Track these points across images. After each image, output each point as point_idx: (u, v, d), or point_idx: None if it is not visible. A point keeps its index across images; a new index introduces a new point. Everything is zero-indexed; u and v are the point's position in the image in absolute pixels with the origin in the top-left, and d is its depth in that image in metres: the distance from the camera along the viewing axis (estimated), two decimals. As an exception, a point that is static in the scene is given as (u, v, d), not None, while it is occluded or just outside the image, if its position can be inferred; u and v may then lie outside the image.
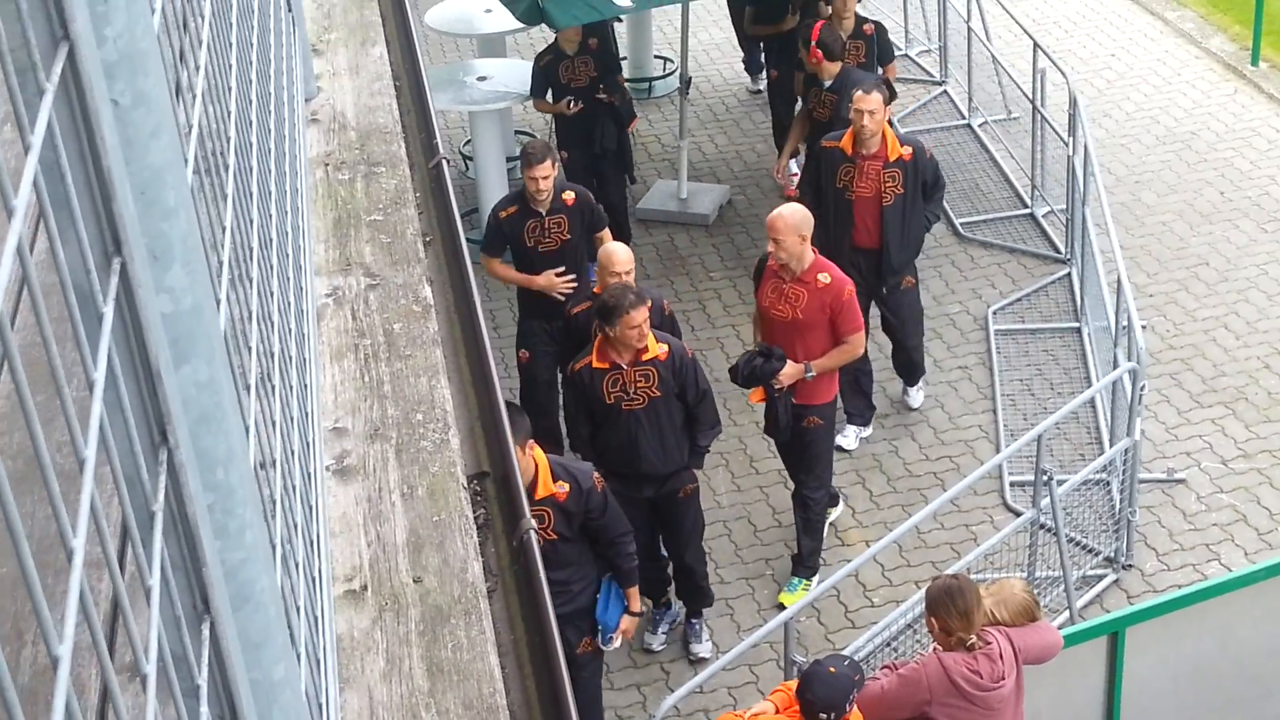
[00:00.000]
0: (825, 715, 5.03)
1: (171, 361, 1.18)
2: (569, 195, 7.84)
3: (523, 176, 7.76)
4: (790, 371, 7.08)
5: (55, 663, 0.80)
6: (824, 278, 7.09)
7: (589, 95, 9.63)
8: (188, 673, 1.07)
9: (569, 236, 7.81)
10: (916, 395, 8.92)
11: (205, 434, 1.22)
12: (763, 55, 11.79)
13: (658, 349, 6.52)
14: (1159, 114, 11.88)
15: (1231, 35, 12.99)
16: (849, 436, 8.43)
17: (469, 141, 10.92)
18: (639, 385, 6.51)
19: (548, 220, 7.76)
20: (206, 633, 1.12)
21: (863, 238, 8.12)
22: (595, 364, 6.50)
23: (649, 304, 6.49)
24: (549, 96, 9.80)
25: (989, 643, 5.11)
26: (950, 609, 5.08)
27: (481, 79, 10.34)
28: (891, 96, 8.41)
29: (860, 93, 7.91)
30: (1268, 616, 6.14)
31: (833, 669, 5.09)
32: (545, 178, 7.58)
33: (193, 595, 1.13)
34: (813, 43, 8.97)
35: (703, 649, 7.11)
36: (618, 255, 6.95)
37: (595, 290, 6.98)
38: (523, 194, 7.86)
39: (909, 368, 8.82)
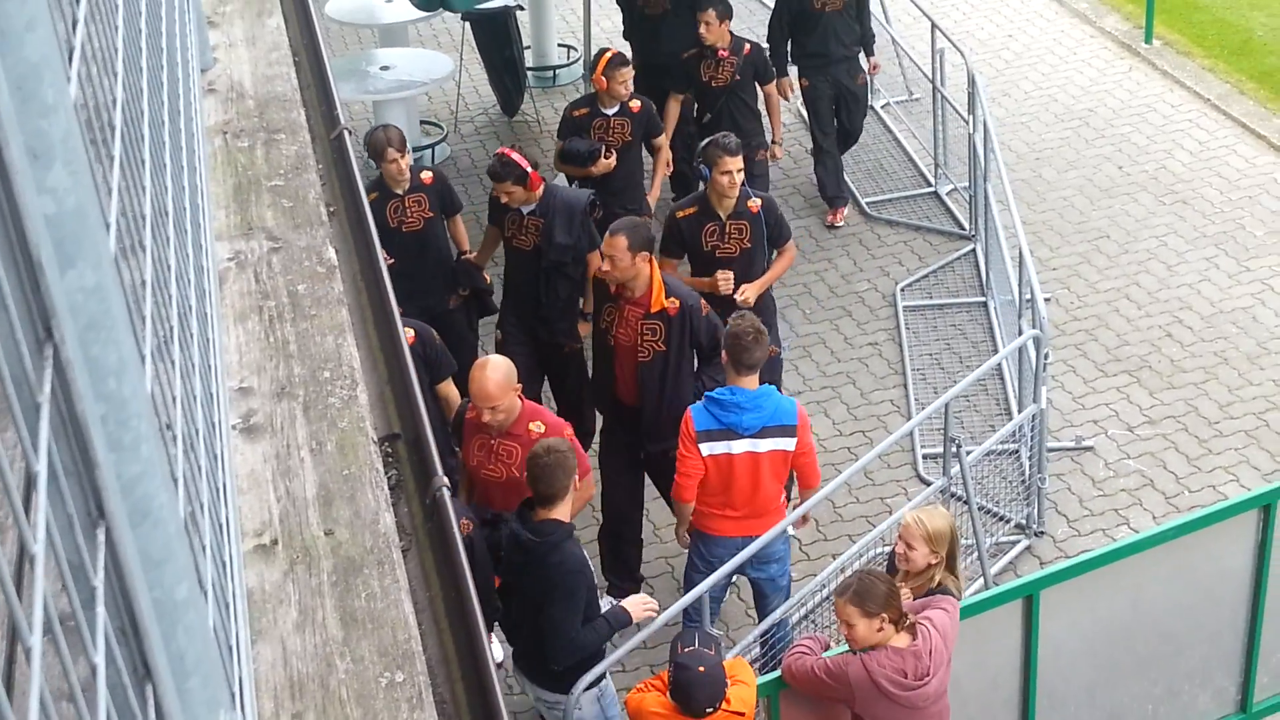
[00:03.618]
0: (711, 708, 5.03)
1: (57, 263, 1.14)
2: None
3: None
4: None
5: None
6: (537, 427, 6.15)
7: (422, 240, 7.76)
8: (84, 576, 1.03)
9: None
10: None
11: (94, 341, 1.18)
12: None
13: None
14: (1056, 92, 12.07)
15: (1125, 14, 13.23)
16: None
17: (373, 133, 10.81)
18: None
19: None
20: (102, 538, 1.07)
21: (622, 391, 7.00)
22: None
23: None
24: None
25: (919, 638, 5.05)
26: (883, 599, 5.02)
27: (384, 69, 10.25)
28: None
29: (608, 234, 6.80)
30: (1177, 575, 6.25)
31: (701, 668, 5.03)
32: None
33: (86, 500, 1.08)
34: (513, 160, 7.42)
35: None
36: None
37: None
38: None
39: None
